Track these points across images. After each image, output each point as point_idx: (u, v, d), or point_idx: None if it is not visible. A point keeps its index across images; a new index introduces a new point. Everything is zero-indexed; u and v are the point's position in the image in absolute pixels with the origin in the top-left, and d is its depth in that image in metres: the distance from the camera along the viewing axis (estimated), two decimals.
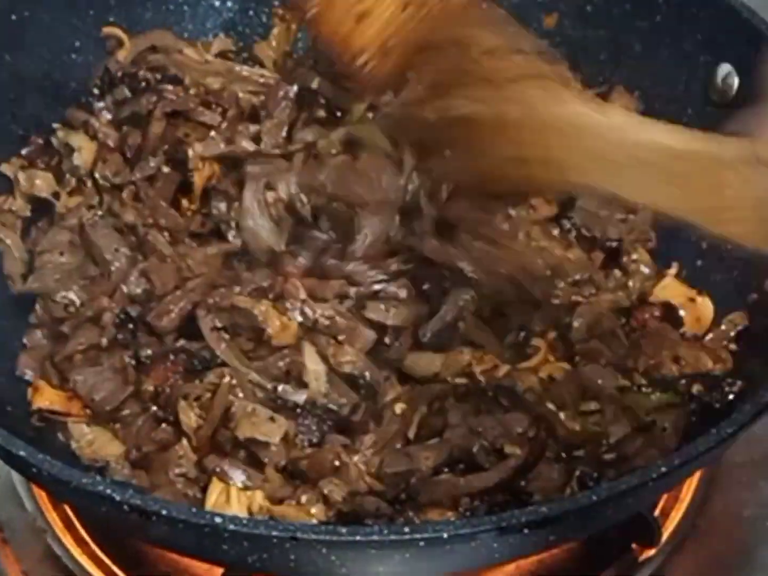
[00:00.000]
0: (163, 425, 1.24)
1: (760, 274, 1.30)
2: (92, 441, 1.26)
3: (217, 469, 1.19)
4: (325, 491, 1.15)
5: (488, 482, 1.13)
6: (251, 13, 1.63)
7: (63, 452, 1.25)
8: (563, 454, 1.19)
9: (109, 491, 0.98)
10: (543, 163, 1.03)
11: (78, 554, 1.33)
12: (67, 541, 1.34)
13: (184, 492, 1.20)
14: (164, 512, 0.97)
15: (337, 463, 1.17)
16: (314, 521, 1.13)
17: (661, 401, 1.21)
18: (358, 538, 0.96)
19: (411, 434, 1.20)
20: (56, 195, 1.44)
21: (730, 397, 1.20)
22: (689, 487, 1.32)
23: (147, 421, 1.26)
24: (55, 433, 1.27)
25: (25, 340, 1.34)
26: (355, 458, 1.18)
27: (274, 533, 0.95)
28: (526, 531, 0.97)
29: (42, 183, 1.44)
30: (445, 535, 0.95)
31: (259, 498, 1.18)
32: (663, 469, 1.00)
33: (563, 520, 0.98)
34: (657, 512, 1.30)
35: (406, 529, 0.96)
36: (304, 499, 1.16)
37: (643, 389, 1.21)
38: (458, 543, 0.97)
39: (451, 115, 1.06)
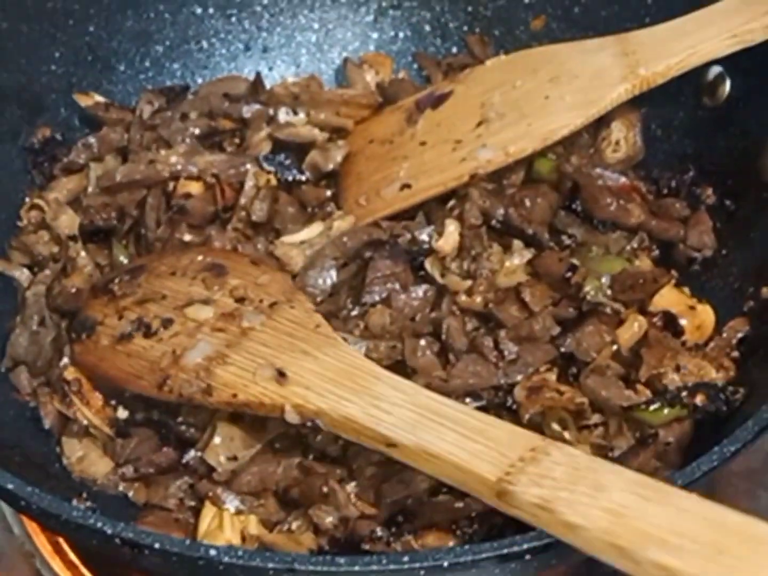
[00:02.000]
0: (165, 449, 1.22)
1: (757, 282, 1.28)
2: (82, 458, 1.24)
3: (210, 494, 1.17)
4: (315, 519, 1.13)
5: (487, 505, 1.11)
6: (234, 20, 1.60)
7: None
8: None
9: (100, 524, 0.96)
10: None
11: None
12: (56, 564, 1.32)
13: (175, 518, 1.18)
14: (157, 545, 0.94)
15: (325, 489, 1.14)
16: (305, 551, 1.11)
17: (668, 417, 1.18)
18: (356, 568, 0.93)
19: None
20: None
21: (735, 405, 1.18)
22: None
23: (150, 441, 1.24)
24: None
25: None
26: (348, 487, 1.16)
27: (271, 565, 0.93)
28: (528, 557, 0.95)
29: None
30: (446, 564, 0.94)
31: (253, 523, 1.16)
32: None
33: (566, 545, 0.96)
34: None
35: (406, 558, 0.94)
36: (294, 526, 1.15)
37: (651, 407, 1.18)
38: (459, 570, 0.95)
39: None
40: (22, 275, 1.36)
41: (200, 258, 1.30)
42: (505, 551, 0.94)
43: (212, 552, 0.94)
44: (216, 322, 1.21)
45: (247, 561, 0.93)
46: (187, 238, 1.36)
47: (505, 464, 0.97)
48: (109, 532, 0.95)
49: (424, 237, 1.32)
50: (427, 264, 1.31)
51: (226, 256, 1.31)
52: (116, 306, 1.27)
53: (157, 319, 1.24)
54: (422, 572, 0.94)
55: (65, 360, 1.28)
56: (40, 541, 1.32)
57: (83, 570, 1.31)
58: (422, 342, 1.24)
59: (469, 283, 1.29)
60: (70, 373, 1.26)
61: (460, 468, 0.99)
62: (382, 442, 1.04)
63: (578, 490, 0.94)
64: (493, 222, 1.34)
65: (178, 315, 1.24)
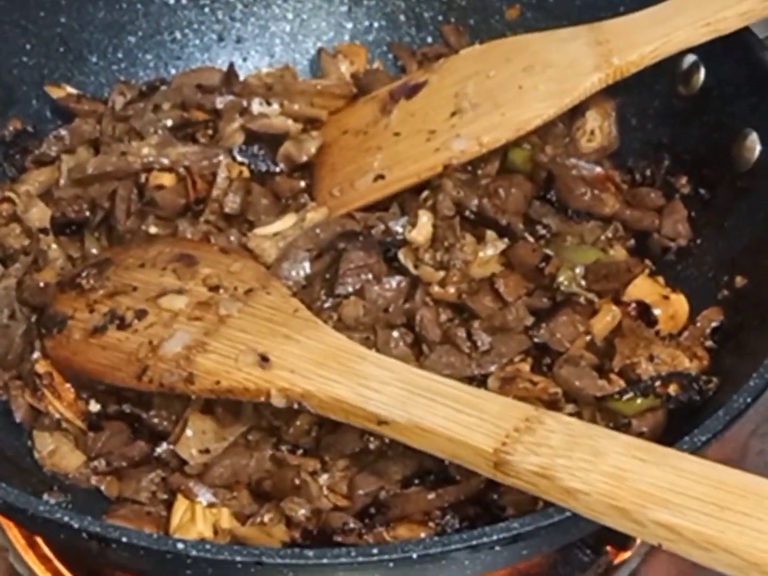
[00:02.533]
0: (137, 442, 1.22)
1: (731, 271, 1.28)
2: (54, 451, 1.23)
3: (183, 487, 1.16)
4: (287, 512, 1.13)
5: (458, 496, 1.11)
6: (207, 10, 1.59)
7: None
8: None
9: (66, 519, 0.95)
10: None
11: (41, 572, 1.30)
12: (30, 558, 1.31)
13: (148, 511, 1.17)
14: (124, 539, 0.94)
15: (297, 481, 1.14)
16: (277, 543, 1.11)
17: (642, 407, 1.18)
18: (324, 561, 0.93)
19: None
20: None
21: (708, 395, 1.18)
22: None
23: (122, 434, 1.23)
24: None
25: None
26: (321, 479, 1.15)
27: (239, 558, 0.93)
28: (498, 548, 0.95)
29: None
30: (415, 555, 0.93)
31: (225, 516, 1.16)
32: None
33: (535, 536, 0.95)
34: None
35: (375, 551, 0.93)
36: (267, 518, 1.14)
37: (624, 397, 1.18)
38: (428, 562, 0.94)
39: None
40: None
41: (168, 249, 1.29)
42: (474, 542, 0.94)
43: (180, 546, 0.93)
44: (192, 312, 1.21)
45: (215, 554, 0.93)
46: (153, 230, 1.35)
47: (501, 435, 0.98)
48: (76, 526, 0.95)
49: (398, 228, 1.32)
50: (401, 255, 1.30)
51: (195, 246, 1.31)
52: (86, 300, 1.26)
53: (130, 310, 1.23)
54: (391, 564, 0.93)
55: (36, 353, 1.26)
56: (14, 534, 1.32)
57: (57, 564, 1.30)
58: (395, 333, 1.24)
59: (442, 273, 1.28)
60: (41, 367, 1.25)
61: (454, 441, 0.99)
62: (373, 420, 1.04)
63: (576, 456, 0.95)
64: (467, 212, 1.33)
65: (152, 306, 1.23)
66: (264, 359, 1.12)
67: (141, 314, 1.22)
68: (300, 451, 1.19)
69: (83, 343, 1.24)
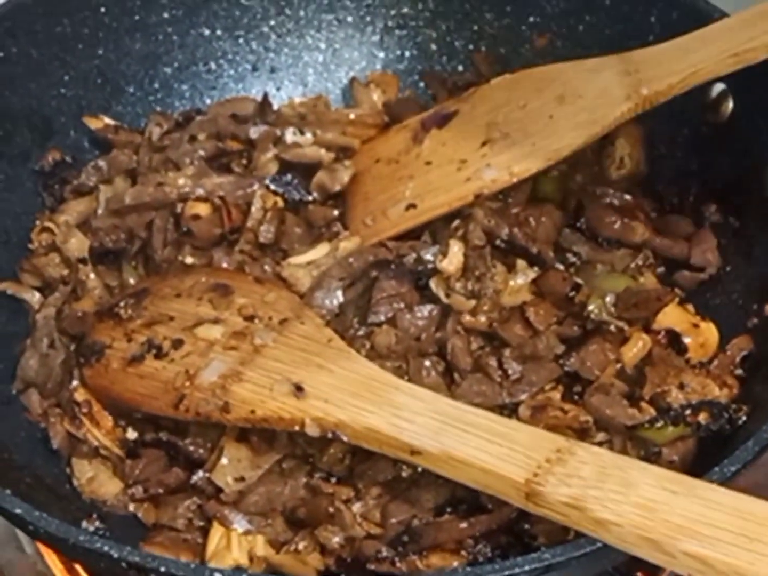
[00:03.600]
0: (174, 469, 1.23)
1: (761, 299, 1.29)
2: (92, 479, 1.26)
3: (218, 514, 1.18)
4: (321, 539, 1.15)
5: (490, 525, 1.12)
6: (241, 41, 1.62)
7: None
8: None
9: (106, 548, 0.97)
10: None
11: None
12: None
13: (184, 538, 1.19)
14: (162, 569, 0.96)
15: (331, 509, 1.16)
16: (312, 571, 1.13)
17: (672, 435, 1.19)
18: None
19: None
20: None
21: (738, 423, 1.19)
22: None
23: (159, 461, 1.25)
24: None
25: None
26: (355, 507, 1.17)
27: None
28: None
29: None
30: None
31: (260, 543, 1.17)
32: None
33: (567, 566, 0.97)
34: None
35: None
36: (301, 546, 1.16)
37: (655, 425, 1.19)
38: None
39: None
40: (33, 298, 1.38)
41: (204, 279, 1.31)
42: (507, 573, 0.95)
43: (217, 575, 0.95)
44: (228, 341, 1.23)
45: None
46: (189, 260, 1.37)
47: (533, 466, 0.99)
48: (116, 555, 0.97)
49: (429, 257, 1.33)
50: (432, 284, 1.32)
51: (230, 276, 1.33)
52: (124, 329, 1.28)
53: (167, 340, 1.25)
54: None
55: (75, 382, 1.29)
56: (53, 560, 1.33)
57: None
58: (427, 362, 1.26)
59: (473, 302, 1.30)
60: (80, 395, 1.28)
61: (487, 472, 1.01)
62: (407, 450, 1.06)
63: (607, 487, 0.96)
64: (498, 241, 1.35)
65: (188, 335, 1.25)
66: (298, 389, 1.14)
67: (178, 344, 1.24)
68: (333, 479, 1.21)
69: (121, 372, 1.26)
